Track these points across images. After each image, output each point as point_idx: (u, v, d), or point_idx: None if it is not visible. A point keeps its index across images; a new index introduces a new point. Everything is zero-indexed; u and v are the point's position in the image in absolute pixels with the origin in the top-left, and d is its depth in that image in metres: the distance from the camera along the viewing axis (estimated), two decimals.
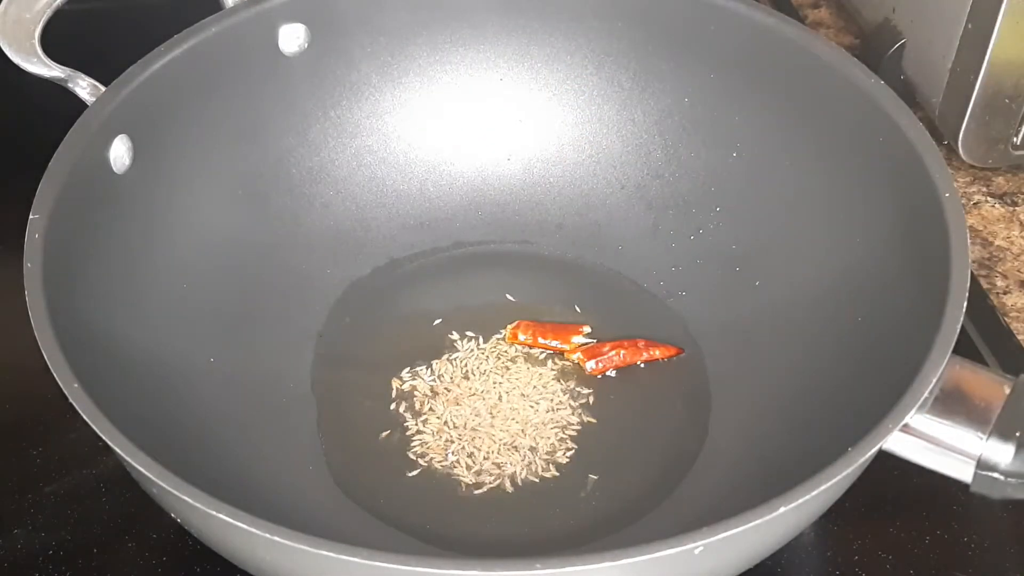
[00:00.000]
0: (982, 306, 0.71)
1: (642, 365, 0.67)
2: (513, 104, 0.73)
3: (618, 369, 0.67)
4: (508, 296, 0.71)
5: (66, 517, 0.61)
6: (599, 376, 0.67)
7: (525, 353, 0.68)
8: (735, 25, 0.67)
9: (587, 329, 0.68)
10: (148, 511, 0.54)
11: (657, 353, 0.67)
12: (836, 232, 0.64)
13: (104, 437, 0.48)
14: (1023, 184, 0.79)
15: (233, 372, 0.64)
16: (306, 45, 0.69)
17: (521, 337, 0.68)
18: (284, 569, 0.49)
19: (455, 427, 0.64)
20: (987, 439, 0.51)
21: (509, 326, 0.68)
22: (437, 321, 0.69)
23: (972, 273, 0.55)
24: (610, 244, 0.72)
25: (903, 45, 0.81)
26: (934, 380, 0.50)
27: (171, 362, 0.61)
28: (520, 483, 0.62)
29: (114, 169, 0.61)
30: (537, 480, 0.62)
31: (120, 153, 0.61)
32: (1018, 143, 0.77)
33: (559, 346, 0.68)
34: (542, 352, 0.68)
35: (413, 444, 0.64)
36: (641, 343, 0.67)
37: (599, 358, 0.67)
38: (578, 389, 0.66)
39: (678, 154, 0.71)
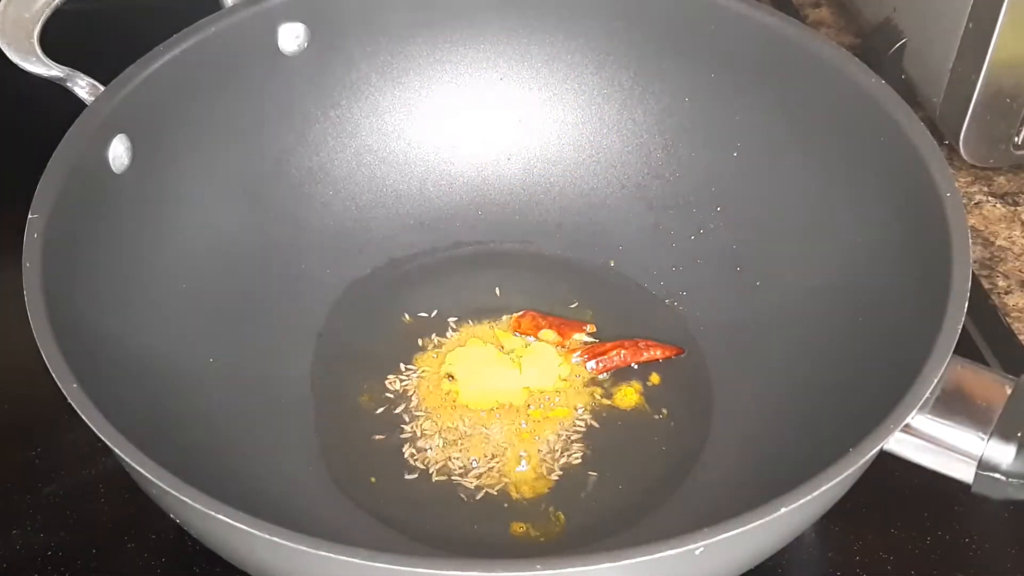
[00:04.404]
0: (983, 306, 0.71)
1: (639, 365, 0.67)
2: (513, 104, 0.73)
3: (618, 369, 0.67)
4: (508, 296, 0.71)
5: (66, 517, 0.61)
6: (599, 376, 0.67)
7: (525, 353, 0.68)
8: (735, 25, 0.67)
9: (592, 328, 0.68)
10: (148, 511, 0.54)
11: (657, 353, 0.67)
12: (837, 232, 0.64)
13: (103, 437, 0.48)
14: None
15: (232, 372, 0.64)
16: (306, 44, 0.69)
17: (524, 326, 0.68)
18: (284, 569, 0.49)
19: (455, 427, 0.64)
20: (988, 440, 0.51)
21: (514, 315, 0.68)
22: (437, 321, 0.69)
23: (973, 273, 0.55)
24: (610, 244, 0.72)
25: (904, 45, 0.81)
26: (935, 380, 0.50)
27: (170, 362, 0.61)
28: (520, 483, 0.62)
29: (113, 169, 0.61)
30: (538, 480, 0.62)
31: (119, 153, 0.61)
32: (1019, 143, 0.77)
33: (558, 340, 0.68)
34: (543, 352, 0.68)
35: (412, 445, 0.64)
36: (641, 343, 0.67)
37: (599, 358, 0.67)
38: (579, 390, 0.66)
39: (678, 154, 0.71)
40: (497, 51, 0.72)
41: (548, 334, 0.68)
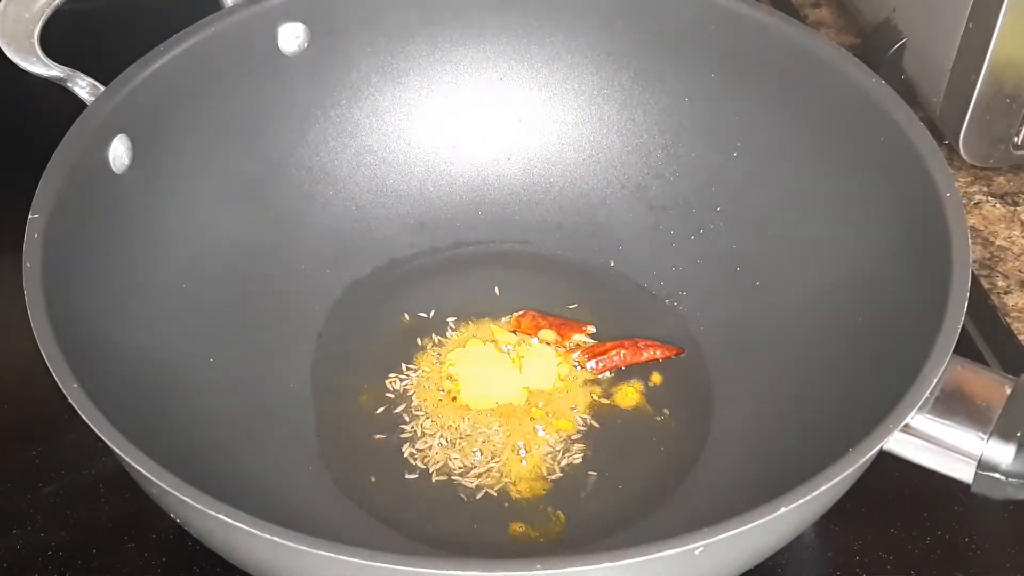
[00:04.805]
0: (983, 306, 0.71)
1: (639, 365, 0.67)
2: (513, 104, 0.73)
3: (618, 369, 0.67)
4: (508, 296, 0.71)
5: (66, 517, 0.61)
6: (599, 376, 0.67)
7: (526, 353, 0.68)
8: (735, 25, 0.67)
9: (592, 329, 0.68)
10: (148, 511, 0.54)
11: (657, 353, 0.67)
12: (837, 232, 0.64)
13: (103, 437, 0.48)
14: None
15: (232, 372, 0.64)
16: (306, 45, 0.69)
17: (524, 326, 0.68)
18: (284, 569, 0.49)
19: (455, 427, 0.64)
20: (988, 440, 0.51)
21: (514, 314, 0.68)
22: (437, 321, 0.69)
23: (973, 273, 0.55)
24: (610, 244, 0.72)
25: (904, 45, 0.81)
26: (935, 380, 0.50)
27: (170, 362, 0.61)
28: (520, 483, 0.62)
29: (113, 169, 0.61)
30: (537, 480, 0.62)
31: (119, 153, 0.61)
32: (1019, 143, 0.77)
33: (558, 340, 0.68)
34: (542, 352, 0.68)
35: (412, 445, 0.64)
36: (641, 343, 0.67)
37: (599, 358, 0.67)
38: (579, 390, 0.66)
39: (678, 154, 0.71)
40: (497, 51, 0.72)
41: (548, 334, 0.68)
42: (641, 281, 0.71)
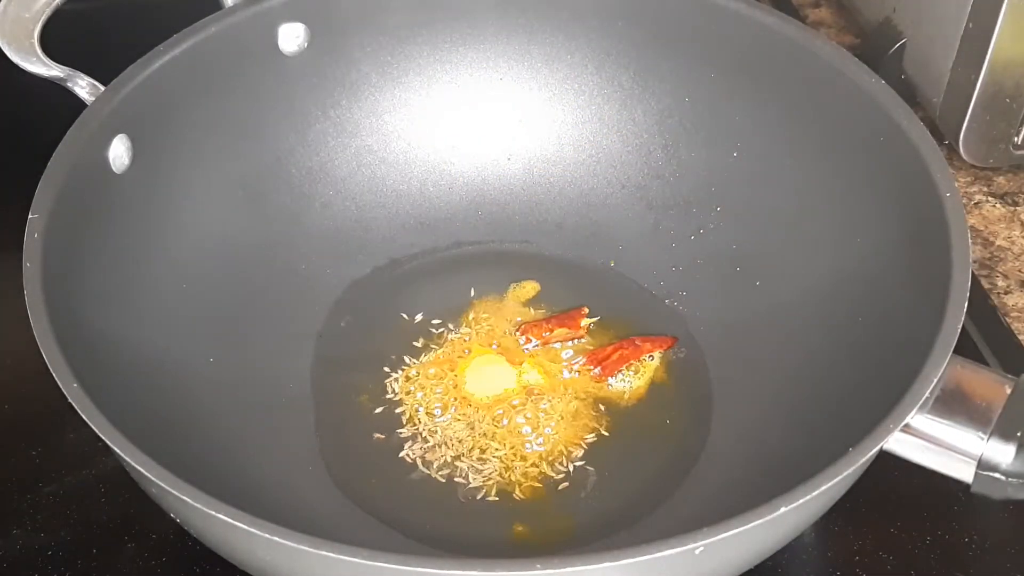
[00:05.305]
0: (983, 306, 0.71)
1: (640, 366, 0.67)
2: (513, 104, 0.73)
3: (619, 370, 0.67)
4: (508, 296, 0.71)
5: (66, 517, 0.61)
6: (600, 377, 0.67)
7: (526, 356, 0.68)
8: (735, 25, 0.67)
9: (585, 310, 0.68)
10: (148, 511, 0.54)
11: (653, 347, 0.67)
12: (837, 232, 0.64)
13: (104, 437, 0.48)
14: None
15: (233, 372, 0.64)
16: (306, 45, 0.69)
17: (534, 341, 0.68)
18: (284, 569, 0.49)
19: (455, 428, 0.64)
20: (988, 439, 0.51)
21: (517, 319, 0.69)
22: (437, 321, 0.69)
23: (973, 273, 0.55)
24: (610, 244, 0.72)
25: (904, 44, 0.81)
26: (935, 380, 0.50)
27: (171, 362, 0.61)
28: (520, 483, 0.62)
29: (113, 169, 0.61)
30: (538, 480, 0.62)
31: (119, 153, 0.61)
32: (1019, 143, 0.77)
33: (570, 334, 0.68)
34: (543, 352, 0.68)
35: (413, 445, 0.64)
36: (637, 340, 0.67)
37: (603, 363, 0.67)
38: (579, 390, 0.66)
39: (678, 154, 0.71)
40: (497, 51, 0.72)
41: (560, 332, 0.68)
42: (641, 281, 0.71)
